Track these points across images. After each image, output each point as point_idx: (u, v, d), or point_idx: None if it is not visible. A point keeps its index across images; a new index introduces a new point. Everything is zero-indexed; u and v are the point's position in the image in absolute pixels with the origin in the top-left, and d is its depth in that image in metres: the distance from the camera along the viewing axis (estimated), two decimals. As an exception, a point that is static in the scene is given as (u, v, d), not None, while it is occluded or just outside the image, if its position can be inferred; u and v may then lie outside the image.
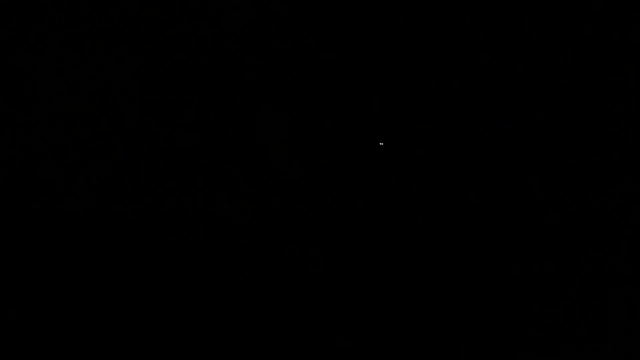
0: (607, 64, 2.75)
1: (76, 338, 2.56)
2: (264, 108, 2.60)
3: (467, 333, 2.57)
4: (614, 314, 2.55)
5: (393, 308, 2.59)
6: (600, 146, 2.69)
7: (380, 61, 2.65)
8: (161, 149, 2.60)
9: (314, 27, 2.64)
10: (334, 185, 2.60)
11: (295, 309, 2.56)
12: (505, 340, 2.58)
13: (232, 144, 2.64)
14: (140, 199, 2.63)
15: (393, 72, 2.66)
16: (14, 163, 2.65)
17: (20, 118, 2.63)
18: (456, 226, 2.60)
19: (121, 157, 2.62)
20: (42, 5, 2.65)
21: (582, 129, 2.71)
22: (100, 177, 2.61)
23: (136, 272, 2.60)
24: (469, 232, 2.60)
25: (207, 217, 2.61)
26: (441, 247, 2.60)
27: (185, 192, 2.62)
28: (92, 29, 2.68)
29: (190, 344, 2.55)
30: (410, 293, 2.59)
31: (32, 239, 2.59)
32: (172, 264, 2.59)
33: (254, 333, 2.56)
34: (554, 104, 2.75)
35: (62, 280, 2.60)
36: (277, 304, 2.55)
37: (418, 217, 2.61)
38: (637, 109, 2.75)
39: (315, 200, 2.60)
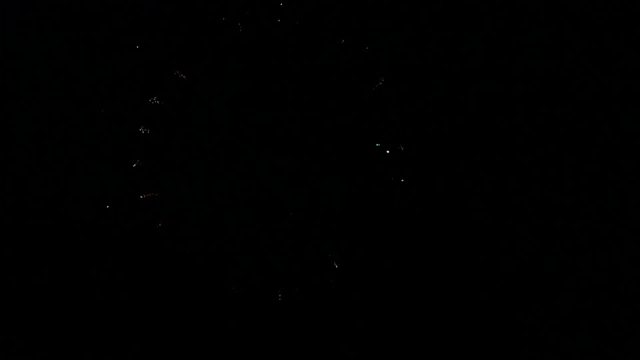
0: (607, 65, 2.75)
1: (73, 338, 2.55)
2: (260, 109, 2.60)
3: (467, 333, 2.56)
4: (614, 314, 2.54)
5: (393, 308, 2.58)
6: (601, 146, 2.68)
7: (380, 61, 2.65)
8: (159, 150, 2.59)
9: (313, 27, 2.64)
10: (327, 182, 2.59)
11: (293, 310, 2.55)
12: (505, 341, 2.58)
13: (231, 145, 2.63)
14: (138, 200, 2.63)
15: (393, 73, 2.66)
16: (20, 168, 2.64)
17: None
18: (456, 226, 2.59)
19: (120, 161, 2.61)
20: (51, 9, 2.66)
21: (581, 129, 2.71)
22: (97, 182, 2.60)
23: (134, 272, 2.59)
24: (469, 232, 2.59)
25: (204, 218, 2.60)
26: (441, 247, 2.59)
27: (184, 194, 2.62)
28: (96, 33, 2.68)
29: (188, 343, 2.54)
30: (410, 293, 2.59)
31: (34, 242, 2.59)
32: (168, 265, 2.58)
33: (251, 333, 2.55)
34: (554, 105, 2.75)
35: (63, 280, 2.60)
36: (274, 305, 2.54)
37: (417, 217, 2.61)
38: (638, 109, 2.75)
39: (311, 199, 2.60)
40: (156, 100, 2.39)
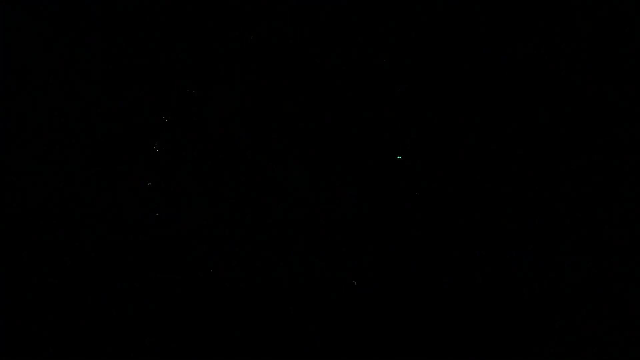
0: (607, 64, 2.77)
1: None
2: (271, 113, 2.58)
3: (467, 333, 2.61)
4: (614, 314, 2.60)
5: (393, 309, 2.62)
6: (601, 146, 2.71)
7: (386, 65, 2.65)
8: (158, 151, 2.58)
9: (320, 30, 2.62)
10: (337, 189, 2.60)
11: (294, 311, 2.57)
12: (505, 340, 2.62)
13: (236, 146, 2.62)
14: (138, 200, 2.62)
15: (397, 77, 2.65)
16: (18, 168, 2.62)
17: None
18: (458, 228, 2.62)
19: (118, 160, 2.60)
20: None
21: (581, 129, 2.73)
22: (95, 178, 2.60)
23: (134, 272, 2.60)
24: (469, 234, 2.62)
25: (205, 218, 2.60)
26: (442, 249, 2.62)
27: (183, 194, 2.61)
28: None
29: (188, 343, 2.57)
30: (411, 294, 2.62)
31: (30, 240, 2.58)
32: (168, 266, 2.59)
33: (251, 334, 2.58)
34: (554, 105, 2.77)
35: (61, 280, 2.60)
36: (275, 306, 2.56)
37: (421, 220, 2.63)
38: (637, 109, 2.78)
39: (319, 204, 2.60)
40: (167, 117, 2.37)
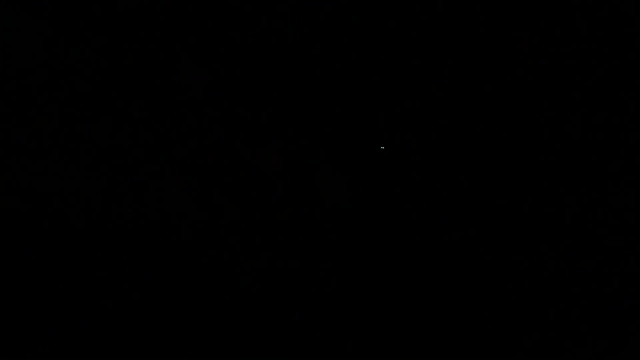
0: (607, 64, 2.77)
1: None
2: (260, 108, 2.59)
3: (467, 333, 2.61)
4: (614, 314, 2.60)
5: (393, 309, 2.62)
6: (601, 146, 2.71)
7: (379, 61, 2.65)
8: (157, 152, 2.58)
9: (315, 27, 2.63)
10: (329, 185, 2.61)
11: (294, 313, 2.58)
12: (505, 340, 2.62)
13: (230, 145, 2.63)
14: (133, 201, 2.62)
15: (391, 73, 2.66)
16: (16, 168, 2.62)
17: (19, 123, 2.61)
18: (456, 227, 2.62)
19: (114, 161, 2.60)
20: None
21: (582, 129, 2.73)
22: (94, 181, 2.60)
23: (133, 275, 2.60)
24: (469, 233, 2.62)
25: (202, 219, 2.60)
26: (440, 248, 2.62)
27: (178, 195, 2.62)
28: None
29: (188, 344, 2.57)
30: (410, 294, 2.62)
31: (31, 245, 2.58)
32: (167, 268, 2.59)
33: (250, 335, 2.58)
34: (554, 105, 2.77)
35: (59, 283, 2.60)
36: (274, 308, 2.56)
37: (417, 218, 2.63)
38: (637, 109, 2.78)
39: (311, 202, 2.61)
40: (137, 111, 2.35)
